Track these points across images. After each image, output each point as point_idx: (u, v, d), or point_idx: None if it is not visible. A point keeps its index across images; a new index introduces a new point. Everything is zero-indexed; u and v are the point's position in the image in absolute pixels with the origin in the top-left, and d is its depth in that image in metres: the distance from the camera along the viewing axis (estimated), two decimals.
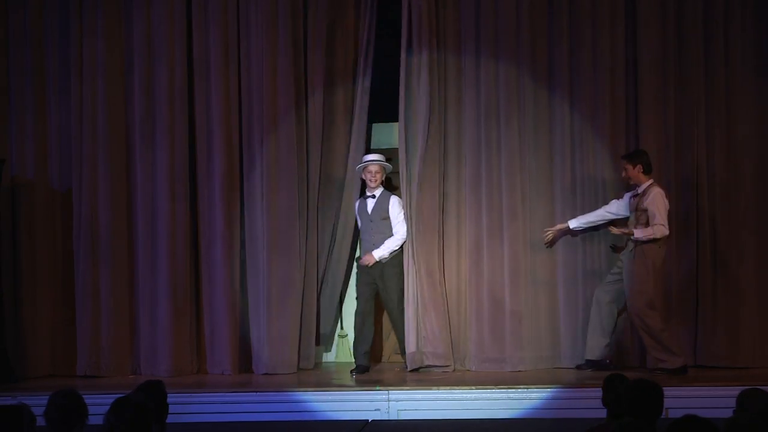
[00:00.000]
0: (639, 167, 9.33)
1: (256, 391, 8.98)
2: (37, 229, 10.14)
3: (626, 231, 9.27)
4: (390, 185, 10.20)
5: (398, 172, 9.98)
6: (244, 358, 9.99)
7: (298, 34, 10.07)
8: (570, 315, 9.79)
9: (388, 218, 9.76)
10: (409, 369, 9.69)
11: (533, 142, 9.91)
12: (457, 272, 9.98)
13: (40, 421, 5.30)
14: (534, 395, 8.59)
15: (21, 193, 10.14)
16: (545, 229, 9.75)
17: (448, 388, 8.77)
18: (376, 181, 9.76)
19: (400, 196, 9.88)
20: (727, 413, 5.39)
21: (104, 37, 10.07)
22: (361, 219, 9.94)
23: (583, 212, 9.74)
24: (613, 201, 9.63)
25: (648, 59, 9.77)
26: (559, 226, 9.72)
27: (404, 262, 9.80)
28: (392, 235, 9.76)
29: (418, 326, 9.75)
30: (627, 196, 9.50)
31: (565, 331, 9.82)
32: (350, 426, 8.11)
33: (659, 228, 9.15)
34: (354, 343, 9.92)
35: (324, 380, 9.62)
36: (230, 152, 10.01)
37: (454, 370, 9.76)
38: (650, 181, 9.33)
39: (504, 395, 8.62)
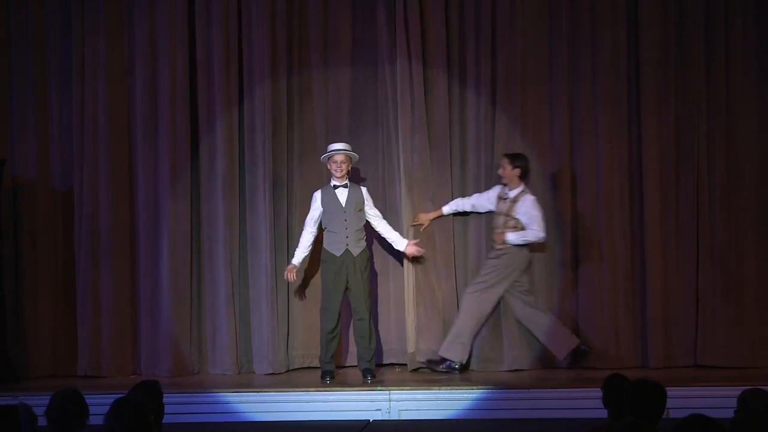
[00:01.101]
0: (517, 170, 9.44)
1: (258, 392, 8.97)
2: (38, 229, 10.13)
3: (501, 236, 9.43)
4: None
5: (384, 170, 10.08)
6: (246, 359, 9.98)
7: (298, 33, 10.07)
8: (564, 315, 9.78)
9: (362, 209, 9.47)
10: (409, 369, 9.68)
11: (533, 142, 9.91)
12: (452, 272, 9.97)
13: (42, 421, 5.29)
14: (534, 395, 8.61)
15: (22, 193, 10.14)
16: (417, 217, 9.76)
17: (450, 388, 8.78)
18: (342, 171, 9.40)
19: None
20: (729, 413, 5.39)
21: (106, 36, 10.07)
22: (330, 211, 9.46)
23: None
24: (477, 195, 9.75)
25: (649, 62, 9.77)
26: (433, 214, 9.76)
27: (403, 262, 9.82)
28: (362, 227, 9.48)
29: (418, 327, 9.77)
30: (494, 191, 9.61)
31: None
32: (351, 426, 8.12)
33: (534, 233, 9.36)
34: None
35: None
36: (232, 152, 10.01)
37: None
38: (522, 188, 9.45)
39: (505, 395, 8.63)
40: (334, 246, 9.40)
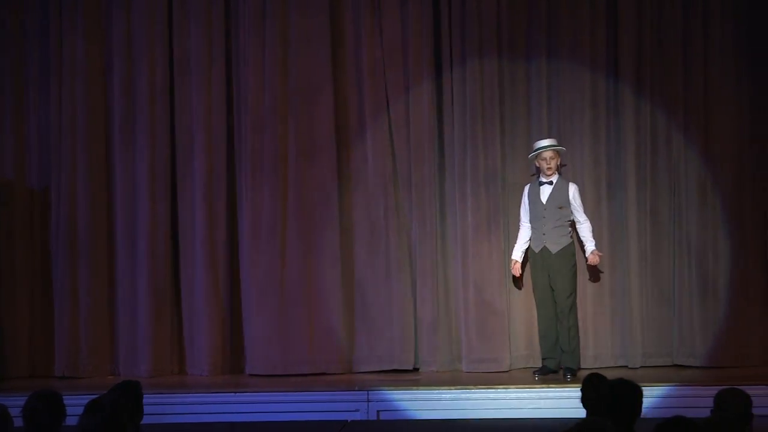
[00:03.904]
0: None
1: (236, 392, 8.97)
2: (15, 229, 10.08)
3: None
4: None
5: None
6: (225, 359, 9.97)
7: (289, 31, 10.05)
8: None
9: (564, 207, 9.37)
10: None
11: (515, 141, 9.95)
12: (444, 271, 9.99)
13: (19, 422, 5.28)
14: (512, 395, 8.62)
15: None
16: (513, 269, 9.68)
17: (427, 388, 8.79)
18: (551, 167, 9.35)
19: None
20: (705, 413, 5.42)
21: (84, 36, 10.05)
22: (532, 207, 9.47)
23: None
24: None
25: (627, 61, 9.80)
26: (518, 266, 9.65)
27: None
28: (567, 224, 9.41)
29: (416, 327, 9.84)
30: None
31: None
32: (329, 427, 8.11)
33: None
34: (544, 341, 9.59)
35: (303, 381, 9.57)
36: (212, 152, 9.99)
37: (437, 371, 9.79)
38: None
39: (483, 395, 8.65)
40: (533, 242, 9.47)
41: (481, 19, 9.90)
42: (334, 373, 9.78)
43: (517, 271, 9.62)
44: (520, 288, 9.87)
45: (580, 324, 9.56)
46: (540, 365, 9.52)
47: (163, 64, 10.05)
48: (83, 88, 10.03)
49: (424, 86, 9.95)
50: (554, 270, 9.32)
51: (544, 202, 9.37)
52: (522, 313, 9.90)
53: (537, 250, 9.40)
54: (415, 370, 9.80)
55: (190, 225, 10.00)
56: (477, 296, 9.78)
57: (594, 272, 9.77)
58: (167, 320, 10.00)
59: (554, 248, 9.32)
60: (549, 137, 9.63)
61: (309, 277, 9.92)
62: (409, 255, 9.95)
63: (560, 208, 9.35)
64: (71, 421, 5.36)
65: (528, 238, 9.52)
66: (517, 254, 9.59)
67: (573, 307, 9.34)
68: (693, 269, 9.74)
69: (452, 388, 8.79)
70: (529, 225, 9.48)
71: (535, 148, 9.49)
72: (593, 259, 9.42)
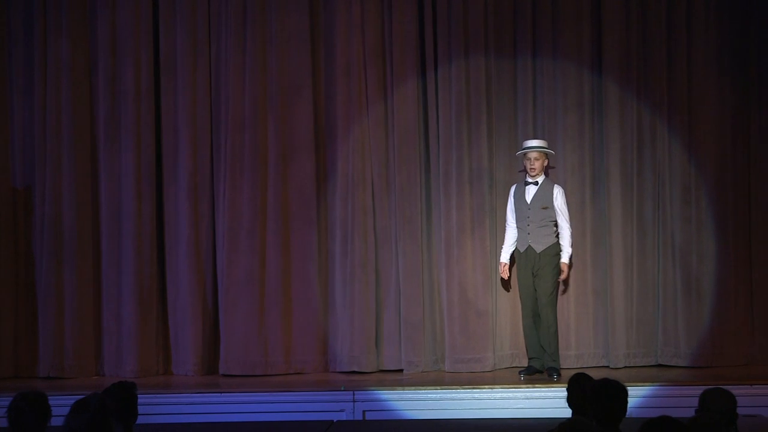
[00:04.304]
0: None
1: (221, 392, 8.96)
2: None
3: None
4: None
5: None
6: (210, 359, 9.96)
7: (270, 32, 10.05)
8: None
9: (548, 207, 9.38)
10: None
11: (501, 141, 9.96)
12: (429, 271, 10.00)
13: (3, 422, 5.26)
14: (497, 395, 8.64)
15: None
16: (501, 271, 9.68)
17: (413, 388, 8.79)
18: (535, 168, 9.35)
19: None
20: (690, 413, 5.43)
21: (69, 36, 10.02)
22: (517, 207, 9.49)
23: None
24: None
25: (612, 63, 9.84)
26: (505, 269, 9.64)
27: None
28: (551, 224, 9.38)
29: (401, 327, 9.83)
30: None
31: None
32: (314, 427, 8.09)
33: None
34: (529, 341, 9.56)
35: (288, 381, 9.60)
36: (197, 152, 9.98)
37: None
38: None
39: (469, 395, 8.65)
40: (519, 242, 9.48)
41: (467, 18, 9.91)
42: (312, 373, 9.85)
43: (505, 273, 9.62)
44: (507, 289, 9.88)
45: (563, 324, 9.59)
46: (526, 365, 9.52)
47: (148, 63, 10.04)
48: (68, 87, 10.01)
49: (408, 85, 9.96)
50: (538, 268, 9.34)
51: (529, 202, 9.38)
52: (508, 313, 9.93)
53: (522, 250, 9.41)
54: (399, 370, 9.80)
55: (175, 225, 9.99)
56: (461, 296, 9.80)
57: (577, 272, 9.78)
58: (153, 320, 9.98)
59: (539, 247, 9.34)
60: (538, 138, 9.65)
61: (288, 277, 9.97)
62: (393, 255, 9.93)
63: (544, 208, 9.35)
64: (56, 422, 5.35)
65: (515, 239, 9.53)
66: (505, 256, 9.60)
67: (553, 306, 9.36)
68: (677, 269, 9.76)
69: (438, 388, 8.80)
70: (516, 225, 9.50)
71: (522, 147, 9.51)
72: (562, 275, 9.43)
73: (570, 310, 9.85)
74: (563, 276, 9.44)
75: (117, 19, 10.06)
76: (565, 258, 9.39)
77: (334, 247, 9.98)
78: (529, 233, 9.37)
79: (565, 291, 9.81)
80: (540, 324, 9.34)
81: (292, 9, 10.04)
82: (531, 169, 9.37)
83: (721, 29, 9.84)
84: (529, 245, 9.35)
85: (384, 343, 9.84)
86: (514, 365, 9.81)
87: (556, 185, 9.50)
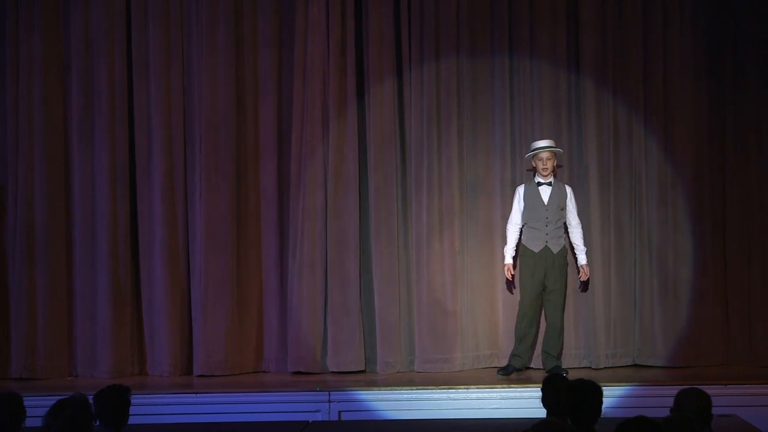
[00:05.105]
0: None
1: (195, 393, 8.95)
2: None
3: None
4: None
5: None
6: (185, 360, 9.92)
7: (243, 32, 10.02)
8: (509, 314, 9.82)
9: (563, 208, 9.43)
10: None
11: (473, 142, 9.96)
12: (406, 272, 9.98)
13: None
14: (473, 395, 8.64)
15: None
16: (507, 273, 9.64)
17: (389, 389, 8.79)
18: (548, 168, 9.38)
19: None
20: (666, 413, 5.44)
21: (41, 34, 9.96)
22: (531, 207, 9.45)
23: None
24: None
25: (589, 63, 9.85)
26: (509, 269, 9.61)
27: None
28: (563, 225, 9.46)
29: (377, 327, 9.82)
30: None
31: (504, 330, 9.87)
32: (290, 427, 8.05)
33: None
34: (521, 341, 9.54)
35: (263, 381, 9.59)
36: (171, 152, 9.94)
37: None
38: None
39: (444, 395, 8.66)
40: (533, 242, 9.42)
41: (440, 20, 9.91)
42: (276, 372, 9.87)
43: (509, 274, 9.62)
44: (511, 290, 9.86)
45: (540, 325, 9.64)
46: (504, 364, 9.54)
47: (122, 63, 9.98)
48: (41, 87, 9.95)
49: (385, 87, 9.92)
50: (554, 269, 9.38)
51: (546, 203, 9.41)
52: (485, 313, 9.91)
53: (537, 250, 9.40)
54: (361, 371, 9.80)
55: (149, 225, 9.95)
56: (429, 296, 9.81)
57: None
58: (127, 321, 9.93)
59: (555, 248, 9.40)
60: (545, 138, 9.64)
61: (259, 277, 10.02)
62: (354, 257, 9.91)
63: (561, 209, 9.42)
64: (32, 422, 5.32)
65: (518, 240, 9.53)
66: (511, 257, 9.58)
67: (564, 308, 9.47)
68: (654, 269, 9.79)
69: (414, 388, 8.79)
70: (521, 226, 9.49)
71: (532, 148, 9.51)
72: (583, 276, 9.50)
73: None
74: (586, 277, 9.48)
75: (90, 18, 10.00)
76: (584, 257, 9.48)
77: (294, 247, 9.90)
78: (547, 234, 9.39)
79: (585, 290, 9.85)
80: (548, 325, 9.41)
81: (261, 10, 10.03)
82: (543, 169, 9.39)
83: (696, 31, 9.86)
84: (546, 245, 9.38)
85: (342, 345, 9.80)
86: (494, 365, 9.79)
87: (566, 185, 9.56)
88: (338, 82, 9.92)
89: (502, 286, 9.87)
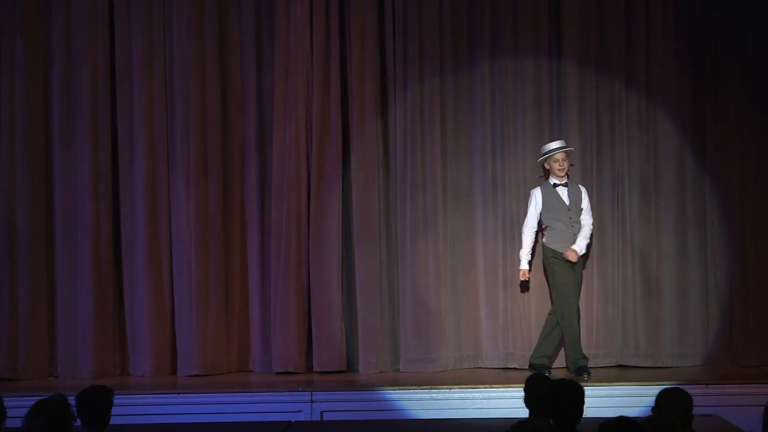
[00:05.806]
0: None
1: (178, 393, 8.94)
2: None
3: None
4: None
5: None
6: (168, 360, 9.90)
7: (226, 33, 10.01)
8: (491, 314, 9.85)
9: (582, 208, 9.48)
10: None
11: (456, 142, 9.96)
12: (388, 273, 9.98)
13: None
14: (456, 395, 8.65)
15: None
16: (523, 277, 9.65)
17: (371, 389, 8.79)
18: (564, 169, 9.40)
19: None
20: (647, 413, 5.46)
21: (22, 33, 9.92)
22: (552, 209, 9.45)
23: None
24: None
25: (571, 61, 9.87)
26: (525, 271, 9.60)
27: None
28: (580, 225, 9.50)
29: (359, 327, 9.83)
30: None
31: (486, 331, 9.88)
32: (272, 427, 8.06)
33: None
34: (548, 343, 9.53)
35: (246, 381, 9.59)
36: (153, 152, 9.92)
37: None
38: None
39: (427, 395, 8.66)
40: (560, 244, 9.41)
41: (423, 20, 9.91)
42: (259, 372, 9.87)
43: (526, 278, 9.63)
44: (526, 290, 9.86)
45: (529, 327, 9.73)
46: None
47: (104, 63, 9.95)
48: (22, 86, 9.91)
49: (367, 87, 9.92)
50: (578, 266, 9.44)
51: (568, 204, 9.44)
52: (468, 314, 9.92)
53: (564, 251, 9.41)
54: (355, 371, 9.80)
55: (132, 225, 9.92)
56: (413, 297, 9.81)
57: (540, 273, 9.79)
58: (109, 322, 9.90)
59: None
60: (555, 139, 9.65)
61: (245, 278, 10.03)
62: (336, 257, 9.90)
63: (580, 209, 9.48)
64: (12, 423, 5.30)
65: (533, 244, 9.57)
66: (527, 262, 9.58)
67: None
68: (636, 269, 9.81)
69: (396, 388, 8.79)
70: (536, 228, 9.52)
71: (545, 151, 9.50)
72: (570, 254, 9.37)
73: (533, 312, 9.84)
74: (572, 257, 9.37)
75: (72, 17, 9.97)
76: (583, 243, 9.46)
77: (278, 248, 9.89)
78: (574, 234, 9.43)
79: (529, 293, 9.85)
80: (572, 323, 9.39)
81: (244, 10, 10.03)
82: (560, 170, 9.41)
83: (678, 32, 9.88)
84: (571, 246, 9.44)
85: (325, 345, 9.79)
86: (479, 366, 9.83)
87: (579, 185, 9.60)
88: (321, 82, 9.91)
89: (485, 286, 9.88)
